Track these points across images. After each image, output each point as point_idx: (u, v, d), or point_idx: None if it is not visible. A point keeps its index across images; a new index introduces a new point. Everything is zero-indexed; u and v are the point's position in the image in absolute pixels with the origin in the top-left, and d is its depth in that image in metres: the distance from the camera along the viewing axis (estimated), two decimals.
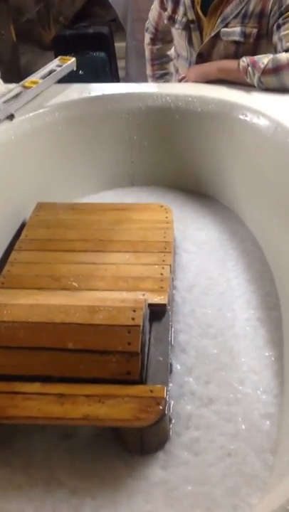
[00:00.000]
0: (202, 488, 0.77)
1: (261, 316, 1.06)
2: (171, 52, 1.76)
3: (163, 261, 1.08)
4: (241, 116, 1.28)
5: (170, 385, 0.89)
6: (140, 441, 0.81)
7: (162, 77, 1.82)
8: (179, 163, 1.47)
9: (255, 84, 1.34)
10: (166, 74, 1.82)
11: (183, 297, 1.11)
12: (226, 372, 0.94)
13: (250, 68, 1.33)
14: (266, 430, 0.84)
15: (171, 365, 0.92)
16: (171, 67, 1.80)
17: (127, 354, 0.82)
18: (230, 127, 1.31)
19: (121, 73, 3.34)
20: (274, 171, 1.17)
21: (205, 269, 1.20)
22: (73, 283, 1.03)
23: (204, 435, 0.84)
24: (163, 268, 1.06)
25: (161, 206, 1.27)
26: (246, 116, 1.27)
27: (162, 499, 0.75)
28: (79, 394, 0.80)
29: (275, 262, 1.17)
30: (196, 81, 1.48)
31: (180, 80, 1.56)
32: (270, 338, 1.00)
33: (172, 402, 0.88)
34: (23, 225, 1.24)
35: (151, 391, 0.80)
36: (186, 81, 1.52)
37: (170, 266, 1.07)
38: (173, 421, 0.86)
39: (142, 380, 0.83)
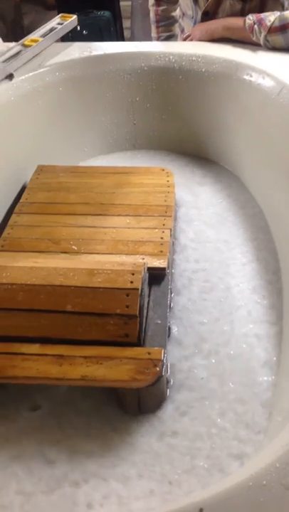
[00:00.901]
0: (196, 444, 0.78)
1: (262, 283, 1.06)
2: (176, 13, 1.71)
3: (163, 225, 1.07)
4: (246, 77, 1.25)
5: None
6: (137, 402, 0.82)
7: (167, 39, 1.77)
8: (181, 125, 1.44)
9: (261, 43, 1.31)
10: (172, 36, 1.77)
11: (181, 260, 1.11)
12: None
13: (256, 26, 1.29)
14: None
15: (169, 328, 0.93)
16: (176, 29, 1.75)
17: (125, 317, 0.82)
18: (235, 88, 1.28)
19: (126, 33, 3.25)
20: (279, 133, 1.14)
21: (206, 233, 1.19)
22: (73, 246, 1.03)
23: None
24: (163, 232, 1.05)
25: (163, 170, 1.26)
26: (251, 76, 1.24)
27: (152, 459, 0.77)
28: (77, 355, 0.80)
29: (277, 227, 1.16)
30: (201, 40, 1.44)
31: (185, 39, 1.51)
32: (271, 304, 1.00)
33: (169, 364, 0.89)
34: (23, 188, 1.23)
35: (149, 353, 0.80)
36: (191, 39, 1.47)
37: (170, 230, 1.06)
38: (171, 382, 0.87)
39: (139, 343, 0.83)
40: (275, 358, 0.90)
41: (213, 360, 0.90)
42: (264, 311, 0.99)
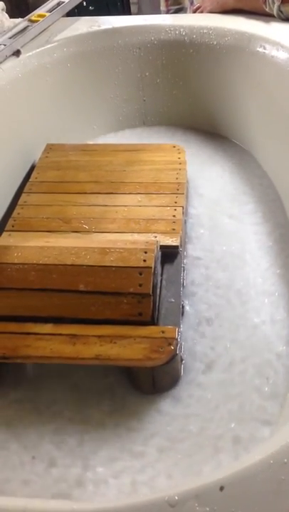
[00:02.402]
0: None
1: (275, 259, 1.04)
2: None
3: (175, 202, 1.06)
4: (259, 49, 1.21)
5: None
6: (152, 381, 0.81)
7: (177, 12, 1.73)
8: (192, 101, 1.41)
9: (275, 13, 1.27)
10: (181, 9, 1.73)
11: (195, 238, 1.10)
12: None
13: None
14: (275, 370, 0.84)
15: (182, 306, 0.92)
16: (185, 2, 1.70)
17: (139, 295, 0.82)
18: (248, 61, 1.24)
19: (133, 8, 3.19)
20: None
21: (218, 210, 1.17)
22: (84, 225, 1.02)
23: None
24: (175, 210, 1.04)
25: (174, 146, 1.23)
26: (265, 48, 1.20)
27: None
28: (91, 335, 0.80)
29: None
30: (212, 11, 1.40)
31: (195, 11, 1.47)
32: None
33: (183, 343, 0.88)
34: (32, 167, 1.22)
35: (163, 332, 0.80)
36: (201, 11, 1.43)
37: (182, 208, 1.05)
38: (184, 361, 0.86)
39: (153, 322, 0.82)
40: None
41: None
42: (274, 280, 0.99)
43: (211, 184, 1.25)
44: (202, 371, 0.85)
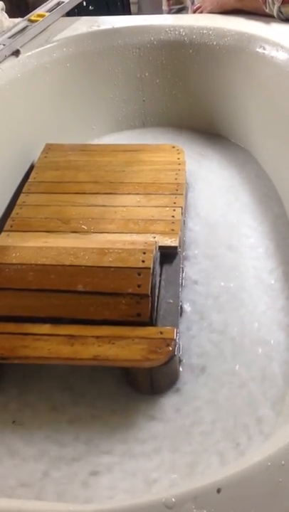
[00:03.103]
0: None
1: (273, 260, 1.04)
2: None
3: (174, 203, 1.06)
4: (259, 50, 1.21)
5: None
6: (150, 382, 0.81)
7: (179, 11, 1.72)
8: (192, 101, 1.41)
9: (275, 14, 1.26)
10: (183, 9, 1.72)
11: (193, 238, 1.10)
12: None
13: None
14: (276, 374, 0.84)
15: (181, 307, 0.92)
16: (187, 1, 1.70)
17: (137, 296, 0.81)
18: (247, 61, 1.24)
19: (133, 8, 3.19)
20: None
21: (218, 211, 1.17)
22: (83, 225, 1.01)
23: None
24: (174, 210, 1.03)
25: (173, 147, 1.23)
26: (264, 49, 1.20)
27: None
28: (89, 335, 0.80)
29: None
30: (212, 12, 1.39)
31: (194, 11, 1.47)
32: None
33: (182, 344, 0.88)
34: (31, 167, 1.21)
35: (161, 332, 0.79)
36: (201, 11, 1.43)
37: (181, 208, 1.04)
38: (183, 361, 0.86)
39: (152, 322, 0.82)
40: None
41: None
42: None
43: (210, 184, 1.25)
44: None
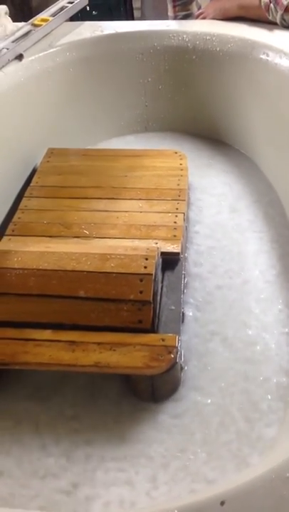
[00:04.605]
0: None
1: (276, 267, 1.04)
2: None
3: (176, 209, 1.05)
4: (262, 56, 1.21)
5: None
6: (151, 389, 0.80)
7: (184, 18, 1.72)
8: (195, 107, 1.41)
9: (278, 21, 1.26)
10: (189, 15, 1.71)
11: (196, 245, 1.09)
12: None
13: (272, 5, 1.24)
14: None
15: (183, 314, 0.91)
16: (194, 8, 1.69)
17: (139, 303, 0.81)
18: (251, 68, 1.24)
19: (136, 14, 3.19)
20: None
21: (219, 217, 1.17)
22: (85, 231, 1.01)
23: None
24: (176, 216, 1.03)
25: (176, 152, 1.23)
26: (268, 56, 1.20)
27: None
28: (90, 341, 0.79)
29: None
30: (215, 18, 1.39)
31: (197, 17, 1.47)
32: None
33: (183, 351, 0.87)
34: (33, 172, 1.21)
35: (163, 340, 0.79)
36: (204, 18, 1.43)
37: (184, 214, 1.04)
38: (185, 368, 0.85)
39: (153, 329, 0.82)
40: None
41: None
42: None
43: (212, 190, 1.25)
44: None
